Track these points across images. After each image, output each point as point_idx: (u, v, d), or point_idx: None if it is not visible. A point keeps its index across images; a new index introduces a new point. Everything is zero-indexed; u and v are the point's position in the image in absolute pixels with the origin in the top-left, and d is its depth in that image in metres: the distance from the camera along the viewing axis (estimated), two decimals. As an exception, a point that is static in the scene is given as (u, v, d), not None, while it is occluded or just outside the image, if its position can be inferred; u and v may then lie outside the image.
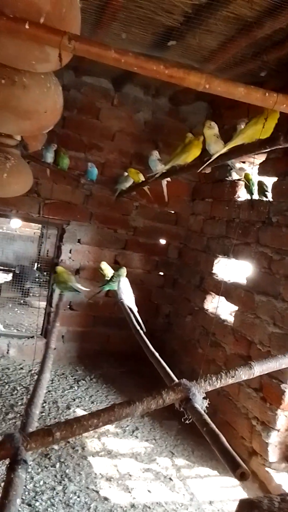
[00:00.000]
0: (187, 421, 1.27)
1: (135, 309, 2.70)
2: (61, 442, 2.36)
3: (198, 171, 2.04)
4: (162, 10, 2.31)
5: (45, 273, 6.62)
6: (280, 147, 1.63)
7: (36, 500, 2.33)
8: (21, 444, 1.08)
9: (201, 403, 1.29)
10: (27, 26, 1.02)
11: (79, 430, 1.17)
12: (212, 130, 2.15)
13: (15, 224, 8.03)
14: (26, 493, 2.37)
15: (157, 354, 1.83)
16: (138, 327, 2.23)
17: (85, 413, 3.36)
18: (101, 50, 1.09)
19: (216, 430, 1.13)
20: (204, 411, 1.26)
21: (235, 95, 1.19)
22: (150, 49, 2.80)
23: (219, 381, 1.40)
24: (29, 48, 1.19)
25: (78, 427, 1.16)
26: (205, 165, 2.05)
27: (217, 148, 2.10)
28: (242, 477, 0.97)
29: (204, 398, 1.32)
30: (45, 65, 1.31)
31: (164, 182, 3.23)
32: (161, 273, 4.43)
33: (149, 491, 2.59)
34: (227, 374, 1.41)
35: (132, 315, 2.50)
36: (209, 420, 1.18)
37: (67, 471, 2.62)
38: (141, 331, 2.12)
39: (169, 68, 1.15)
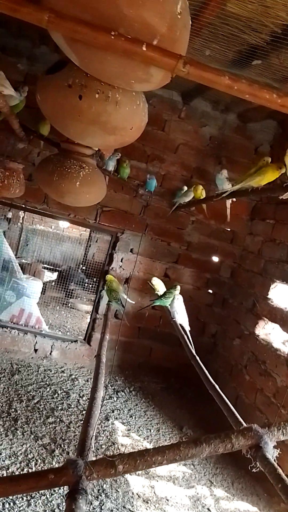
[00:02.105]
0: (253, 470, 1.19)
1: (187, 329, 2.64)
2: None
3: (281, 197, 1.94)
4: (250, 29, 2.24)
5: (94, 278, 6.68)
6: None
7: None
8: (83, 473, 1.04)
9: (272, 453, 1.21)
10: (144, 48, 0.99)
11: (142, 465, 1.11)
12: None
13: (64, 224, 8.18)
14: (63, 504, 2.34)
15: (217, 387, 1.75)
16: (194, 351, 2.16)
17: (123, 426, 3.33)
18: (214, 75, 1.04)
19: None
20: (274, 460, 1.17)
21: None
22: (229, 66, 2.74)
23: (295, 432, 1.30)
24: (133, 68, 1.17)
25: (142, 463, 1.11)
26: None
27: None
28: None
29: (274, 447, 1.23)
30: (144, 85, 1.29)
31: (229, 202, 3.14)
32: (211, 291, 4.33)
33: (186, 519, 2.51)
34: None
35: (186, 337, 2.44)
36: (283, 475, 1.09)
37: (104, 486, 2.58)
38: (197, 358, 2.05)
39: (282, 98, 1.09)
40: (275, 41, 2.33)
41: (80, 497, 0.99)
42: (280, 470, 1.10)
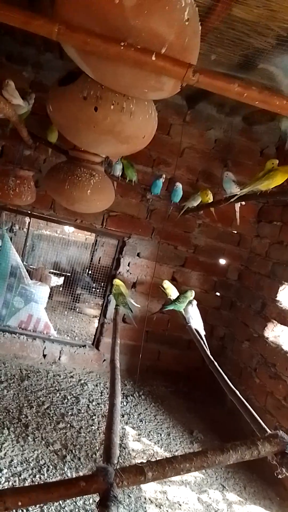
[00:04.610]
0: (279, 476, 1.18)
1: (203, 333, 2.63)
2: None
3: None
4: (256, 33, 2.25)
5: (101, 283, 6.68)
6: None
7: (87, 519, 2.30)
8: (114, 480, 1.04)
9: (298, 459, 1.20)
10: (153, 58, 1.00)
11: (170, 472, 1.11)
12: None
13: (69, 228, 8.20)
14: (76, 509, 2.34)
15: (239, 394, 1.73)
16: (211, 357, 2.15)
17: (133, 431, 3.33)
18: (224, 83, 1.04)
19: None
20: None
21: None
22: (234, 69, 2.75)
23: None
24: (146, 78, 1.18)
25: (170, 470, 1.11)
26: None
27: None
28: None
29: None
30: (158, 93, 1.29)
31: (238, 205, 3.14)
32: (219, 294, 4.32)
33: (199, 524, 2.49)
34: None
35: (202, 341, 2.44)
36: None
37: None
38: (215, 363, 2.04)
39: (293, 104, 1.08)
40: (280, 45, 2.34)
41: (112, 504, 0.99)
42: None
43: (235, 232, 4.21)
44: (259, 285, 3.86)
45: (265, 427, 1.31)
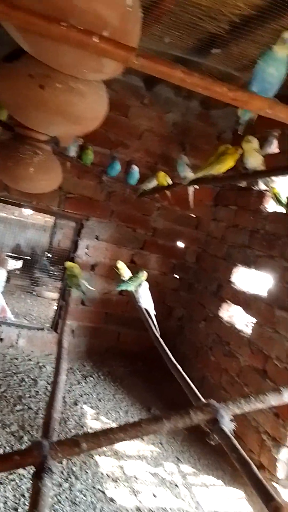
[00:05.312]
0: (211, 442, 1.26)
1: (153, 314, 2.70)
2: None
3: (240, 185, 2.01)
4: (210, 18, 2.27)
5: (58, 266, 6.63)
6: None
7: (44, 497, 2.34)
8: (48, 453, 1.08)
9: (228, 426, 1.29)
10: (97, 40, 1.00)
11: (105, 442, 1.17)
12: (251, 144, 2.13)
13: (27, 210, 8.03)
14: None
15: (179, 367, 1.81)
16: (158, 334, 2.22)
17: (92, 410, 3.39)
18: (167, 69, 1.06)
19: (247, 458, 1.12)
20: (231, 433, 1.26)
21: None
22: (190, 54, 2.76)
23: (247, 405, 1.39)
24: (87, 59, 1.18)
25: (105, 440, 1.16)
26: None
27: (255, 164, 2.07)
28: (276, 511, 0.96)
29: (231, 420, 1.31)
30: (97, 74, 1.30)
31: (191, 189, 3.19)
32: (177, 276, 4.42)
33: (154, 495, 2.60)
34: (257, 398, 1.39)
35: (150, 320, 2.50)
36: (238, 445, 1.17)
37: (73, 468, 2.63)
38: (161, 340, 2.11)
39: (233, 91, 1.13)
40: (234, 31, 2.38)
41: (46, 475, 1.04)
42: (235, 441, 1.18)
43: (193, 215, 4.30)
44: (215, 267, 3.98)
45: (200, 396, 1.38)
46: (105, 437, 1.16)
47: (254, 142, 2.14)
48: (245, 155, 2.15)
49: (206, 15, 2.24)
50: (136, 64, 1.05)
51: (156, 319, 2.54)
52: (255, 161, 2.10)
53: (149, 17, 2.41)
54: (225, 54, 2.61)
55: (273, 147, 3.10)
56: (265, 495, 0.99)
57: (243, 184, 2.15)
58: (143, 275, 2.75)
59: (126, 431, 1.20)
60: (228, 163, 2.30)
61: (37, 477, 0.99)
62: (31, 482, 1.04)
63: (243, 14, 2.17)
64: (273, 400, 1.43)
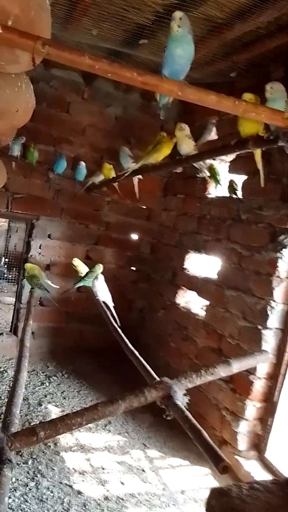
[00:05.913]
0: (168, 418, 1.31)
1: (111, 305, 2.73)
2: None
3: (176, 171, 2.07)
4: (133, 8, 2.30)
5: (14, 269, 6.51)
6: (249, 150, 1.69)
7: (9, 497, 2.33)
8: (5, 444, 1.10)
9: (182, 400, 1.34)
10: (0, 30, 1.01)
11: (63, 429, 1.20)
12: (183, 131, 2.20)
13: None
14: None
15: (136, 352, 1.86)
16: (116, 324, 2.25)
17: (57, 409, 3.38)
18: (75, 56, 1.09)
19: (198, 425, 1.18)
20: (185, 407, 1.31)
21: (206, 102, 1.22)
22: (121, 46, 2.79)
23: (199, 379, 1.46)
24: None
25: (62, 426, 1.19)
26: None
27: (188, 149, 2.14)
28: (224, 470, 1.02)
29: (184, 394, 1.37)
30: (15, 66, 1.30)
31: (136, 180, 3.24)
32: (134, 268, 4.46)
33: (122, 483, 2.64)
34: (207, 371, 1.46)
35: (108, 312, 2.53)
36: (190, 416, 1.23)
37: (39, 467, 2.63)
38: (119, 329, 2.14)
39: (143, 76, 1.17)
40: (159, 21, 2.42)
41: (5, 466, 1.06)
42: (187, 413, 1.24)
43: (144, 207, 4.35)
44: (169, 255, 4.06)
45: (154, 374, 1.43)
46: (62, 423, 1.19)
47: (186, 129, 2.21)
48: (178, 142, 2.22)
49: (130, 6, 2.27)
50: (43, 53, 1.06)
51: (117, 312, 2.57)
52: (188, 147, 2.17)
53: (76, 10, 2.42)
54: (154, 44, 2.66)
55: (212, 134, 3.21)
56: (214, 457, 1.05)
57: (179, 170, 2.22)
58: (100, 268, 2.77)
59: (83, 415, 1.23)
60: (164, 151, 2.37)
61: None
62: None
63: (166, 4, 2.22)
64: (222, 371, 1.50)
